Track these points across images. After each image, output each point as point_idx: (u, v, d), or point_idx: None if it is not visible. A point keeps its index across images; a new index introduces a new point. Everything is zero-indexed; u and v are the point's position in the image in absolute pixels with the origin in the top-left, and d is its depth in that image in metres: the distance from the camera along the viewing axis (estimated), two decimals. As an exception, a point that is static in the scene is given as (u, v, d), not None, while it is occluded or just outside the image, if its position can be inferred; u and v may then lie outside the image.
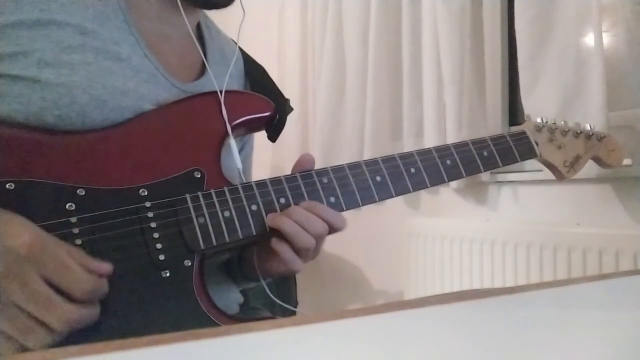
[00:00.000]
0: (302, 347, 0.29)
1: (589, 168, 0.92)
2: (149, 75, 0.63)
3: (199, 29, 0.75)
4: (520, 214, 1.36)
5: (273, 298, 0.71)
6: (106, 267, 0.51)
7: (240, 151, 0.77)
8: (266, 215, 0.61)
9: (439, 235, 1.43)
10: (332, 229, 0.63)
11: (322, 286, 1.91)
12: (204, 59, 0.72)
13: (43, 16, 0.56)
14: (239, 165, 0.67)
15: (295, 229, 0.60)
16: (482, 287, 1.31)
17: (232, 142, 0.66)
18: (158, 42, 0.67)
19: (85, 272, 0.49)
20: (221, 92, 0.65)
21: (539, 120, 0.83)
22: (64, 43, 0.57)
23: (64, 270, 0.48)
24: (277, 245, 0.61)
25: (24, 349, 0.47)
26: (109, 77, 0.59)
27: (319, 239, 0.62)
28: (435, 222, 1.48)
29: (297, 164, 0.66)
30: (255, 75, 0.81)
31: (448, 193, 1.54)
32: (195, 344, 0.27)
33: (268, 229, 0.61)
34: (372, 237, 1.70)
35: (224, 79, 0.69)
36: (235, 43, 0.81)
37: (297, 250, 0.61)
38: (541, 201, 1.32)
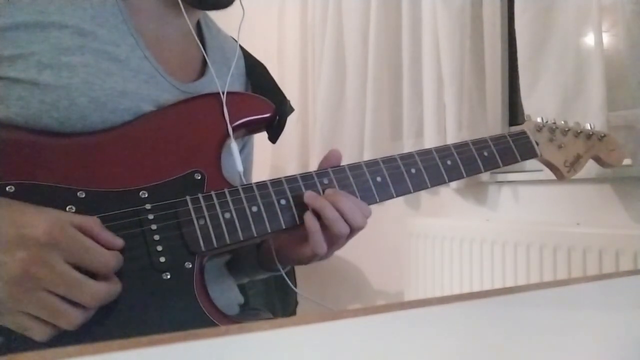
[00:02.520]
0: (302, 347, 0.29)
1: (589, 168, 0.92)
2: (149, 76, 0.63)
3: (198, 28, 0.75)
4: (520, 214, 1.36)
5: (293, 286, 0.71)
6: (118, 241, 0.53)
7: (240, 151, 0.77)
8: (267, 217, 0.61)
9: (439, 235, 1.43)
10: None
11: (322, 286, 1.91)
12: (206, 58, 0.72)
13: (41, 18, 0.56)
14: (240, 168, 0.67)
15: (336, 216, 0.61)
16: (482, 287, 1.31)
17: (233, 145, 0.66)
18: (157, 42, 0.66)
19: (105, 249, 0.51)
20: (223, 93, 0.65)
21: (539, 120, 0.83)
22: (62, 45, 0.57)
23: (86, 251, 0.49)
24: (311, 221, 0.61)
25: (57, 330, 0.48)
26: (108, 79, 0.59)
27: (357, 230, 0.64)
28: (436, 222, 1.48)
29: (325, 159, 0.67)
30: (256, 74, 0.81)
31: (448, 193, 1.54)
32: (195, 344, 0.28)
33: (297, 222, 0.62)
34: (372, 237, 1.69)
35: (225, 79, 0.69)
36: (236, 41, 0.81)
37: (330, 237, 0.62)
38: (541, 201, 1.32)
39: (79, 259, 0.49)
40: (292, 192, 0.63)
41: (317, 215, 0.62)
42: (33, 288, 0.47)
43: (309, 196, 0.62)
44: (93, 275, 0.50)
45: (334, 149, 0.68)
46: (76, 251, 0.49)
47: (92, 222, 0.51)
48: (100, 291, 0.50)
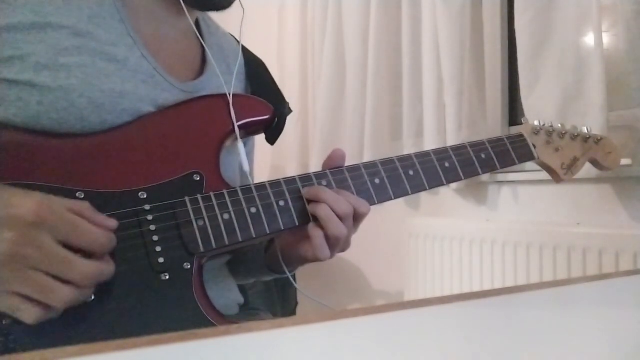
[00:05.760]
0: (302, 347, 0.29)
1: (589, 168, 0.92)
2: (147, 76, 0.63)
3: (197, 26, 0.75)
4: (520, 214, 1.36)
5: (296, 286, 0.71)
6: (112, 222, 0.52)
7: None
8: (265, 219, 0.61)
9: (439, 235, 1.43)
10: (357, 214, 0.64)
11: (322, 286, 1.91)
12: (209, 56, 0.72)
13: (38, 19, 0.56)
14: (247, 168, 0.67)
15: (328, 213, 0.61)
16: (482, 287, 1.31)
17: (240, 145, 0.66)
18: (156, 42, 0.66)
19: (96, 228, 0.50)
20: (227, 93, 0.65)
21: (536, 123, 0.83)
22: (60, 46, 0.56)
23: (77, 229, 0.49)
24: (313, 230, 0.62)
25: (48, 310, 0.47)
26: (106, 80, 0.59)
27: (346, 220, 0.63)
28: (436, 222, 1.48)
29: (329, 159, 0.68)
30: (256, 74, 0.81)
31: (448, 193, 1.54)
32: (195, 344, 0.28)
33: (296, 223, 0.62)
34: (372, 237, 1.70)
35: (224, 77, 0.69)
36: (238, 41, 0.80)
37: (328, 238, 0.62)
38: (541, 201, 1.32)
39: (68, 236, 0.48)
40: (290, 193, 0.63)
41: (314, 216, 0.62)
42: (22, 268, 0.46)
43: (308, 191, 0.63)
44: (87, 255, 0.49)
45: (337, 149, 0.68)
46: (65, 229, 0.48)
47: (82, 206, 0.51)
48: (91, 268, 0.49)
